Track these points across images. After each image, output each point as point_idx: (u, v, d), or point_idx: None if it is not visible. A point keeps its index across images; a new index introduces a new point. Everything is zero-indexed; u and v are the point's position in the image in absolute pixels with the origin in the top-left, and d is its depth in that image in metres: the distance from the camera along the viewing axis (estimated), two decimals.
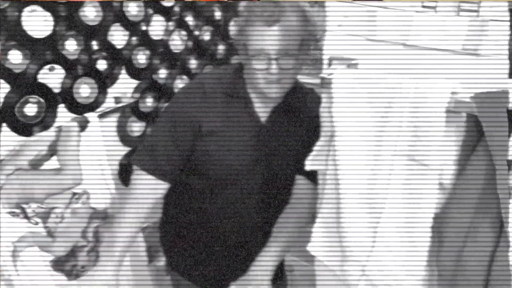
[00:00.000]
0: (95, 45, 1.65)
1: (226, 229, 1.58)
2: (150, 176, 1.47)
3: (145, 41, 1.84)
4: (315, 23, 1.51)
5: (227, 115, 1.50)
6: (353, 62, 1.38)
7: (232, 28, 1.29)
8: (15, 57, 1.41)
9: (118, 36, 1.73)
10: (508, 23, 1.24)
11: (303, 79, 1.57)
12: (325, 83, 1.28)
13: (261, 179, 1.55)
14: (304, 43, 1.43)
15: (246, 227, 1.59)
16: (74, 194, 1.57)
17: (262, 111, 1.53)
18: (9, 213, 1.43)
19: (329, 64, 1.44)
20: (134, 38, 1.78)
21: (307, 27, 1.44)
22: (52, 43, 1.49)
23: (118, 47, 1.74)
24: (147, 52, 1.85)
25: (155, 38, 1.87)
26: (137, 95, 1.84)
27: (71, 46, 1.55)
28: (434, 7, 1.32)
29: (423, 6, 1.35)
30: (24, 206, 1.45)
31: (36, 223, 1.48)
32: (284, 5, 1.41)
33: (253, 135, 1.52)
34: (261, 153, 1.53)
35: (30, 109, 1.47)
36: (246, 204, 1.57)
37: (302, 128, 1.55)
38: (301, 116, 1.56)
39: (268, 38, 1.38)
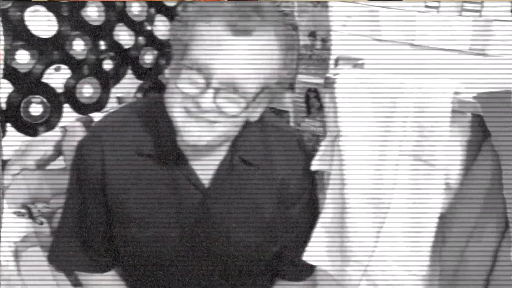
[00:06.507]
0: (102, 45, 1.65)
1: None
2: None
3: (152, 41, 1.83)
4: (295, 48, 1.02)
5: (145, 187, 1.01)
6: (359, 62, 1.38)
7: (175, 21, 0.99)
8: (22, 57, 1.41)
9: (124, 36, 1.72)
10: None
11: (307, 79, 1.54)
12: (329, 83, 1.27)
13: (215, 273, 1.08)
14: (273, 78, 0.94)
15: None
16: None
17: (201, 168, 1.01)
18: (15, 213, 1.43)
19: (336, 64, 1.43)
20: (141, 38, 1.78)
21: (288, 52, 0.94)
22: (59, 43, 1.49)
23: (126, 47, 1.74)
24: (155, 52, 1.85)
25: (161, 38, 1.87)
26: (140, 95, 1.84)
27: (78, 46, 1.55)
28: (437, 7, 1.32)
29: (426, 6, 1.34)
30: (30, 206, 1.46)
31: (41, 223, 1.49)
32: (265, 13, 0.90)
33: (191, 209, 1.01)
34: (207, 233, 1.03)
35: (36, 109, 1.47)
36: None
37: (271, 184, 1.10)
38: (266, 167, 1.09)
39: (224, 52, 0.87)
